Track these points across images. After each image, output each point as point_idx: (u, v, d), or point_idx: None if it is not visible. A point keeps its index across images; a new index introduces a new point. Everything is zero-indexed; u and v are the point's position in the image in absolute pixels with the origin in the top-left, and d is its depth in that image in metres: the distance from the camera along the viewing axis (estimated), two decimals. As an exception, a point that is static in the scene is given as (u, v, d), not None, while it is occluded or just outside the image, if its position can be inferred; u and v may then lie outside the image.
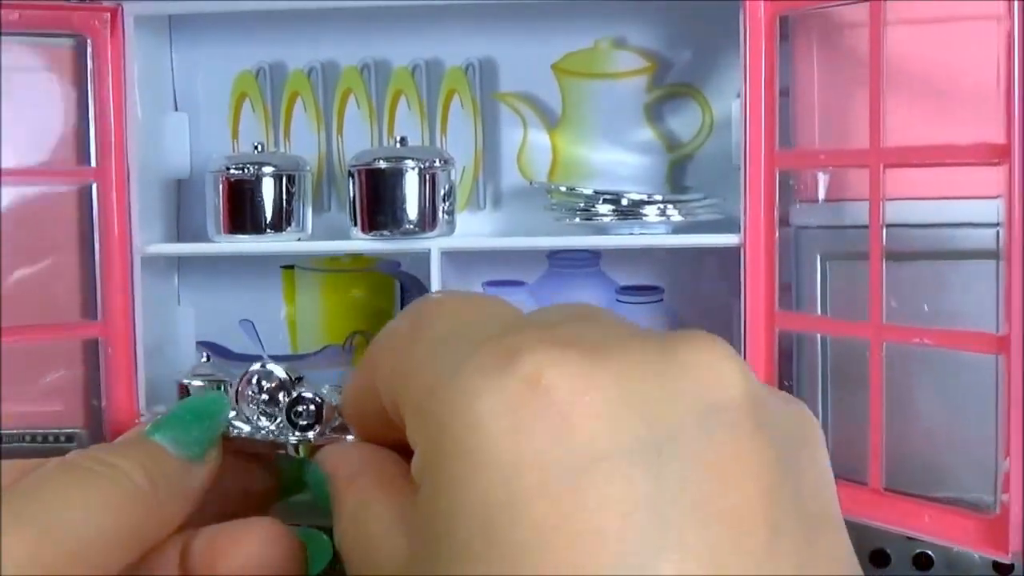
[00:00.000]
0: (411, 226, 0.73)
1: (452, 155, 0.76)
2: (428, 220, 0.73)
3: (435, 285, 0.73)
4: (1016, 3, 0.55)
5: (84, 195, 0.73)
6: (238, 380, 0.39)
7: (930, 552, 0.70)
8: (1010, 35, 0.56)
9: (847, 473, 0.66)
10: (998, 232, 0.59)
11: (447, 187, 0.74)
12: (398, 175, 0.73)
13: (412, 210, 0.73)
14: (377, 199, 0.73)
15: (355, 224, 0.73)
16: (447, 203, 0.74)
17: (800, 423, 0.22)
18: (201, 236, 0.77)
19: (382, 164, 0.73)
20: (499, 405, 0.20)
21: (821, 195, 0.71)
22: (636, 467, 0.19)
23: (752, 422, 0.20)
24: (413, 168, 0.73)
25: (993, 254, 0.62)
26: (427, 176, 0.73)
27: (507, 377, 0.20)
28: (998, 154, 0.57)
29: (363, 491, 0.27)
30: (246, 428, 0.37)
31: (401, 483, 0.26)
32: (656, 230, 0.73)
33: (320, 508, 0.30)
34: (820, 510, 0.21)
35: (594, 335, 0.21)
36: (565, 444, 0.19)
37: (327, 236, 0.80)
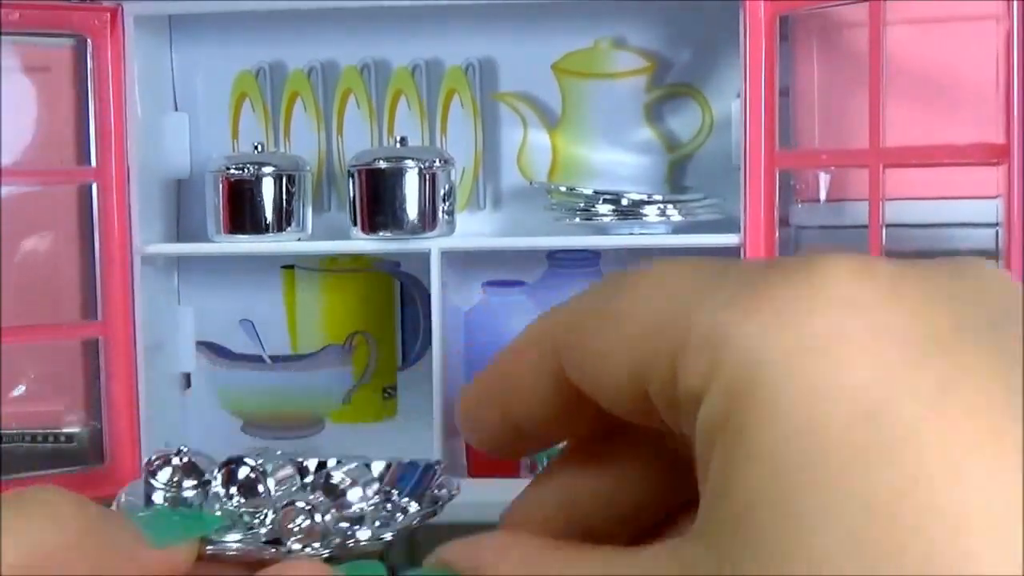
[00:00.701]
0: (411, 226, 0.73)
1: (452, 155, 0.76)
2: (428, 220, 0.73)
3: (435, 285, 0.73)
4: (1015, 3, 0.55)
5: (84, 195, 0.73)
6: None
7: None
8: (1009, 35, 0.56)
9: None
10: (997, 232, 0.59)
11: (447, 187, 0.74)
12: (398, 175, 0.73)
13: (412, 210, 0.73)
14: (377, 199, 0.73)
15: (355, 224, 0.73)
16: (447, 203, 0.74)
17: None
18: (201, 236, 0.77)
19: (382, 164, 0.73)
20: (813, 331, 0.18)
21: (821, 195, 0.71)
22: (982, 343, 0.18)
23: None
24: (413, 168, 0.73)
25: (993, 254, 0.62)
26: (427, 176, 0.73)
27: (818, 295, 0.18)
28: (997, 154, 0.57)
29: (565, 555, 0.22)
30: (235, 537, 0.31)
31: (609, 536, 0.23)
32: (656, 230, 0.73)
33: None
34: None
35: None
36: (913, 333, 0.18)
37: (327, 236, 0.80)
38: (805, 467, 0.17)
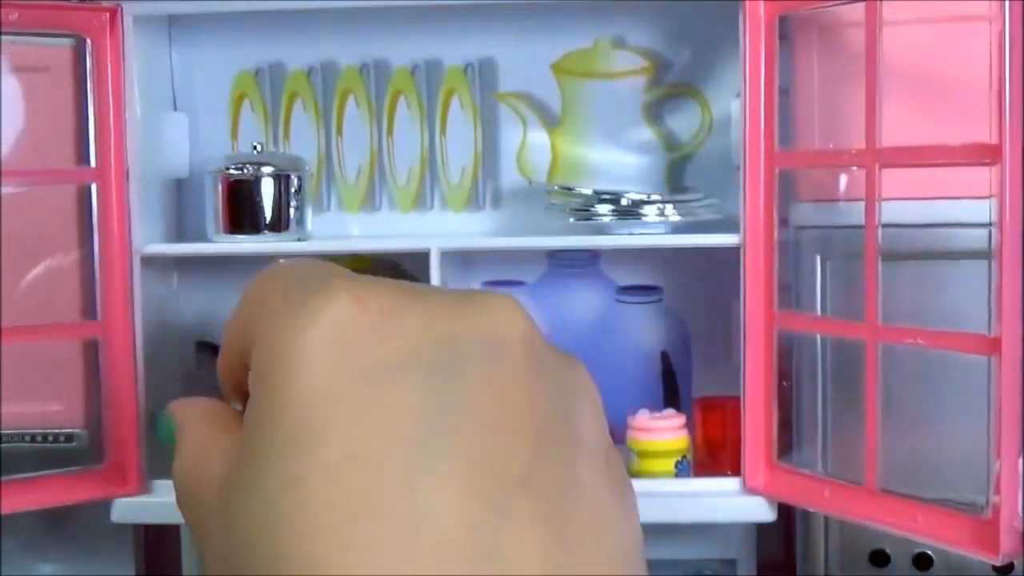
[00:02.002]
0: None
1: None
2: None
3: (435, 285, 0.73)
4: (1007, 4, 0.55)
5: (84, 195, 0.73)
6: None
7: (930, 552, 0.70)
8: (1001, 36, 0.56)
9: (847, 473, 0.66)
10: (990, 232, 0.59)
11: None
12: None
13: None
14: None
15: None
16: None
17: (577, 377, 0.26)
18: (201, 236, 0.77)
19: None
20: (322, 322, 0.24)
21: (821, 195, 0.71)
22: (433, 379, 0.23)
23: (533, 360, 0.25)
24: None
25: (986, 254, 0.62)
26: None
27: (332, 301, 0.24)
28: (990, 154, 0.57)
29: (203, 430, 0.29)
30: None
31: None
32: (655, 230, 0.73)
33: (164, 445, 0.32)
34: (583, 440, 0.25)
35: (404, 283, 0.25)
36: (374, 354, 0.23)
37: (327, 236, 0.80)
38: (282, 411, 0.23)
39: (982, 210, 0.59)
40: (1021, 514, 0.58)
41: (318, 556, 0.22)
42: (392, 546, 0.22)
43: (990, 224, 0.58)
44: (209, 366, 0.87)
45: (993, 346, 0.58)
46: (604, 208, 0.73)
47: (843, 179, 0.69)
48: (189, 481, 0.29)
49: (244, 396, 0.29)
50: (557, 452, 0.24)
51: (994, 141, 0.57)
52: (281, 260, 0.29)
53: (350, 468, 0.22)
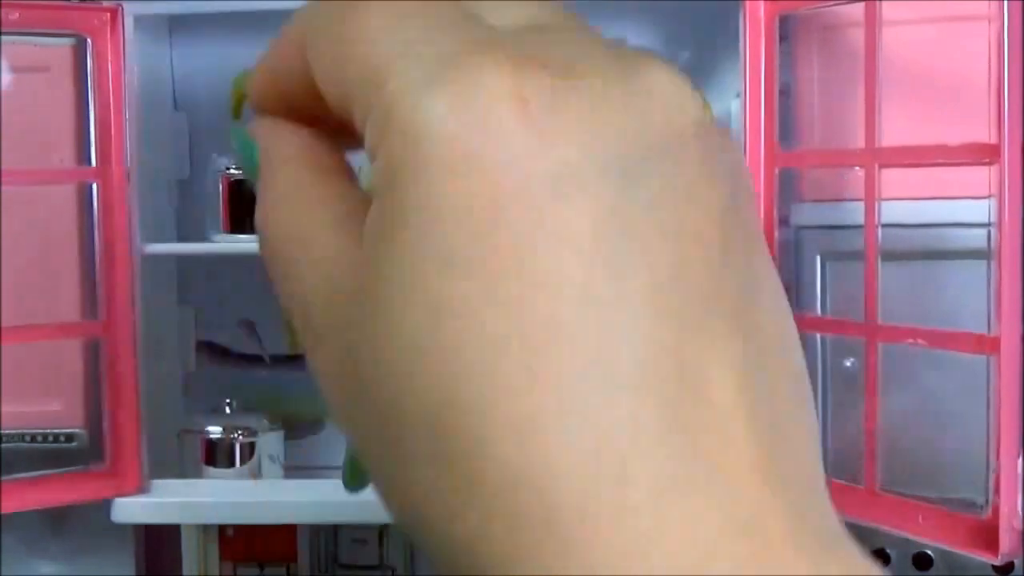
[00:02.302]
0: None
1: None
2: None
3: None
4: (1006, 3, 0.55)
5: (84, 195, 0.73)
6: None
7: (930, 552, 0.70)
8: (1000, 35, 0.56)
9: (847, 473, 0.66)
10: (989, 231, 0.59)
11: None
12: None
13: None
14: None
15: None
16: None
17: (737, 152, 0.23)
18: (201, 236, 0.77)
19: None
20: (477, 120, 0.20)
21: (821, 195, 0.71)
22: (609, 182, 0.20)
23: (710, 152, 0.21)
24: None
25: (985, 254, 0.62)
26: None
27: (484, 92, 0.20)
28: (989, 154, 0.57)
29: (300, 174, 0.25)
30: None
31: (343, 179, 0.25)
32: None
33: (247, 175, 0.27)
34: (756, 233, 0.23)
35: (562, 50, 0.21)
36: (542, 156, 0.20)
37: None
38: (437, 222, 0.20)
39: (982, 210, 0.59)
40: (1020, 514, 0.58)
41: (493, 394, 0.19)
42: (583, 378, 0.19)
43: (989, 224, 0.58)
44: (210, 365, 0.87)
45: (992, 345, 0.58)
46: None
47: (844, 179, 0.69)
48: (282, 242, 0.25)
49: (289, 107, 0.25)
50: (740, 254, 0.21)
51: (993, 141, 0.57)
52: None
53: (524, 289, 0.19)
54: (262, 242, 0.25)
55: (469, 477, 0.19)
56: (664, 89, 0.21)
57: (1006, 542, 0.58)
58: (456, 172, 0.20)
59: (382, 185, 0.21)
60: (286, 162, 0.25)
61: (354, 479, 0.27)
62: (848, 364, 0.68)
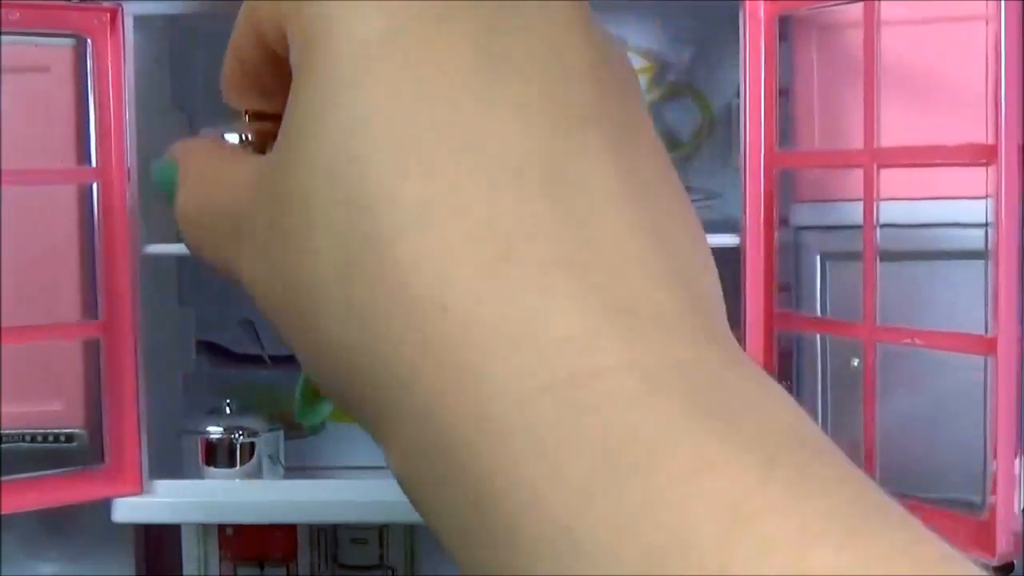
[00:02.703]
0: None
1: None
2: None
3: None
4: (1003, 4, 0.55)
5: (84, 195, 0.73)
6: None
7: (929, 552, 0.70)
8: (997, 36, 0.56)
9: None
10: (986, 232, 0.59)
11: None
12: None
13: None
14: None
15: None
16: None
17: (623, 55, 0.27)
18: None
19: None
20: (365, 37, 0.22)
21: (820, 195, 0.71)
22: (485, 20, 0.23)
23: (587, 18, 0.25)
24: None
25: (982, 255, 0.62)
26: None
27: (373, 13, 0.23)
28: (986, 154, 0.57)
29: (210, 159, 0.28)
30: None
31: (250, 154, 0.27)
32: (656, 230, 0.73)
33: (168, 199, 0.29)
34: (633, 96, 0.26)
35: None
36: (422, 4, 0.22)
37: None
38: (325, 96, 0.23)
39: (980, 210, 0.59)
40: (1017, 514, 0.58)
41: (399, 192, 0.21)
42: (472, 174, 0.21)
43: (987, 224, 0.58)
44: (210, 365, 0.87)
45: (989, 346, 0.58)
46: (604, 208, 0.73)
47: (843, 179, 0.69)
48: (202, 210, 0.28)
49: (257, 91, 0.28)
50: (614, 99, 0.23)
51: (990, 141, 0.57)
52: None
53: (416, 101, 0.21)
54: (186, 232, 0.29)
55: (374, 274, 0.21)
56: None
57: (1003, 543, 0.58)
58: (342, 23, 0.22)
59: (294, 60, 0.24)
60: (197, 154, 0.29)
61: (306, 410, 0.29)
62: (855, 364, 0.68)
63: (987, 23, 0.57)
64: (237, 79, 0.29)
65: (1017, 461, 0.58)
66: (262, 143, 0.29)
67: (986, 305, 0.58)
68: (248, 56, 0.27)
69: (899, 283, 0.66)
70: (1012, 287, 0.57)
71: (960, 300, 0.66)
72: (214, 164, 0.28)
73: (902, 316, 0.63)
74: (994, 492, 0.58)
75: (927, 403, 0.68)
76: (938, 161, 0.61)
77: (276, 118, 0.27)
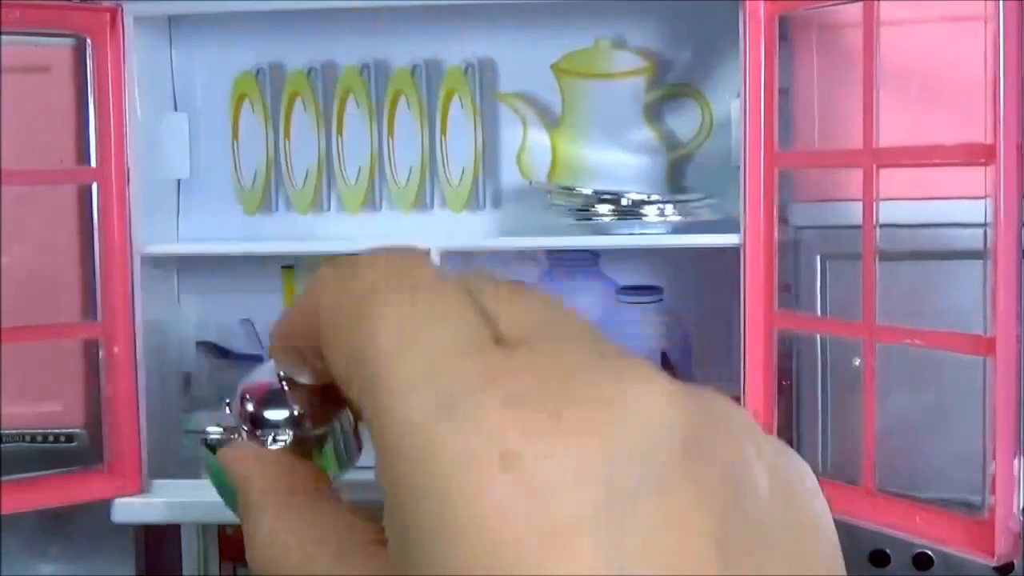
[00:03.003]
0: None
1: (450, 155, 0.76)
2: None
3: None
4: (1001, 4, 0.55)
5: (84, 195, 0.73)
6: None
7: (930, 552, 0.70)
8: (996, 36, 0.56)
9: (847, 473, 0.66)
10: (985, 232, 0.59)
11: None
12: None
13: None
14: None
15: None
16: None
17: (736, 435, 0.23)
18: (201, 236, 0.77)
19: None
20: (474, 477, 0.21)
21: (820, 195, 0.71)
22: (600, 532, 0.20)
23: (694, 462, 0.22)
24: None
25: (980, 254, 0.62)
26: None
27: (482, 442, 0.21)
28: (984, 154, 0.57)
29: (284, 509, 0.26)
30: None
31: (325, 501, 0.26)
32: (655, 230, 0.73)
33: (226, 504, 0.27)
34: (763, 519, 0.23)
35: (551, 373, 0.22)
36: (536, 513, 0.20)
37: (328, 236, 0.80)
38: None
39: (979, 210, 0.59)
40: (1016, 514, 0.58)
41: None
42: None
43: (985, 224, 0.58)
44: (209, 366, 0.87)
45: (988, 346, 0.58)
46: (605, 208, 0.73)
47: (843, 179, 0.69)
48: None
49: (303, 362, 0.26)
50: (742, 555, 0.22)
51: (988, 141, 0.57)
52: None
53: None
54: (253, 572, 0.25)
55: None
56: (647, 409, 0.22)
57: (1002, 543, 0.58)
58: (456, 535, 0.20)
59: (391, 528, 0.22)
60: (265, 494, 0.26)
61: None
62: (857, 363, 0.68)
63: (985, 24, 0.57)
64: (284, 350, 0.27)
65: (1016, 461, 0.58)
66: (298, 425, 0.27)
67: (985, 306, 0.58)
68: (300, 345, 0.26)
69: (901, 283, 0.66)
70: (1011, 287, 0.57)
71: (964, 300, 0.66)
72: (296, 526, 0.25)
73: (903, 316, 0.63)
74: (993, 492, 0.58)
75: (929, 403, 0.68)
76: (937, 161, 0.61)
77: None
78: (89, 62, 0.71)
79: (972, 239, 0.63)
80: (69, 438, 0.76)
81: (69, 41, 0.73)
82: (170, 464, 0.76)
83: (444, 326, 0.22)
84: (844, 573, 0.23)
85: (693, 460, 0.22)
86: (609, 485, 0.21)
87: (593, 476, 0.21)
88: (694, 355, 0.80)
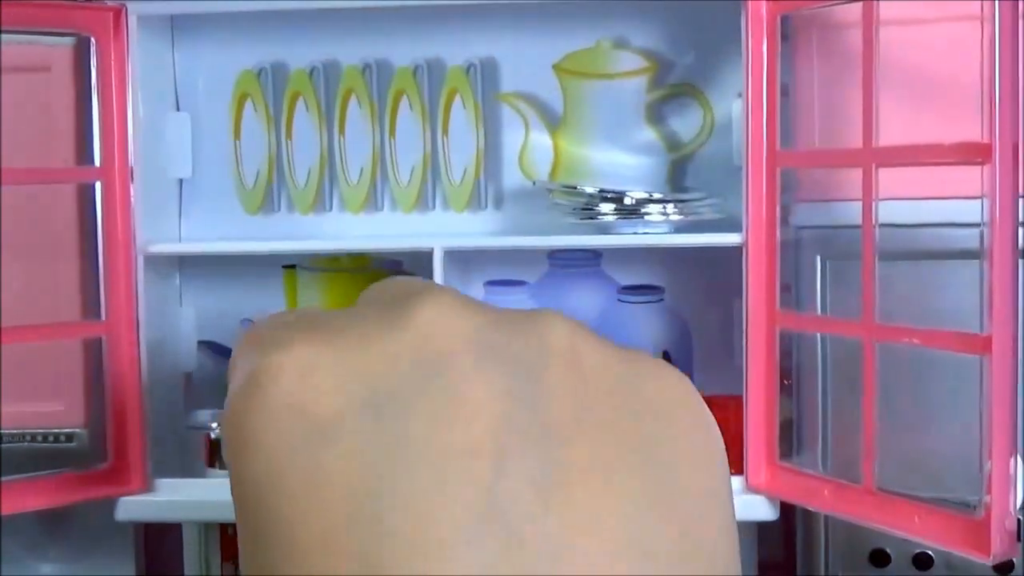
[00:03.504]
0: None
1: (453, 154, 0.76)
2: None
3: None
4: (996, 5, 0.55)
5: (86, 194, 0.73)
6: None
7: (930, 552, 0.70)
8: (992, 36, 0.56)
9: (847, 472, 0.66)
10: (982, 231, 0.59)
11: None
12: None
13: None
14: None
15: None
16: None
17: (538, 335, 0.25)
18: (201, 236, 0.77)
19: None
20: (247, 405, 0.24)
21: (821, 195, 0.71)
22: (365, 425, 0.23)
23: (472, 359, 0.23)
24: None
25: (977, 253, 0.62)
26: None
27: (253, 381, 0.24)
28: (981, 154, 0.57)
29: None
30: None
31: None
32: (657, 229, 0.73)
33: None
34: (551, 421, 0.24)
35: (342, 318, 0.26)
36: (300, 422, 0.23)
37: (329, 236, 0.80)
38: (239, 501, 0.24)
39: (976, 210, 0.59)
40: (1013, 514, 0.58)
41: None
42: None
43: (982, 224, 0.58)
44: (211, 365, 0.87)
45: (984, 345, 0.58)
46: (607, 208, 0.73)
47: (843, 179, 0.69)
48: None
49: None
50: (518, 458, 0.23)
51: (985, 140, 0.57)
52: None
53: (304, 551, 0.22)
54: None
55: None
56: (425, 319, 0.24)
57: (998, 542, 0.58)
58: (245, 458, 0.24)
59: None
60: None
61: None
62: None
63: (982, 23, 0.57)
64: None
65: (1012, 461, 0.58)
66: None
67: (982, 305, 0.58)
68: None
69: (901, 283, 0.66)
70: (1007, 286, 0.57)
71: (963, 300, 0.66)
72: None
73: (905, 315, 0.63)
74: (989, 492, 0.58)
75: (928, 402, 0.68)
76: (934, 160, 0.61)
77: None
78: (93, 61, 0.71)
79: (970, 239, 0.63)
80: (69, 438, 0.76)
81: (70, 41, 0.73)
82: (171, 462, 0.76)
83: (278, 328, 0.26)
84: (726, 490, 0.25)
85: (481, 358, 0.24)
86: (372, 384, 0.23)
87: (356, 379, 0.23)
88: (695, 354, 0.80)
